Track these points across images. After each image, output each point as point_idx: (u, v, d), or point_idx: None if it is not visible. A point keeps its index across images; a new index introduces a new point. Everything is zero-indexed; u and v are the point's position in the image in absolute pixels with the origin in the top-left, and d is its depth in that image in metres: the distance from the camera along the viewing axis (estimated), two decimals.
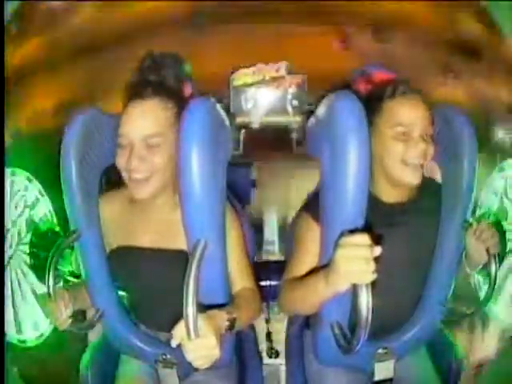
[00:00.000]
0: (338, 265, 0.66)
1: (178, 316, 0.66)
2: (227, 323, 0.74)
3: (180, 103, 0.84)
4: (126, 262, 0.90)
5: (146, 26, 1.50)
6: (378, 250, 0.65)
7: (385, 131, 0.86)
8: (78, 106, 0.96)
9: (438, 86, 1.55)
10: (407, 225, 0.89)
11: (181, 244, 0.84)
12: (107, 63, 1.52)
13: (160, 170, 0.82)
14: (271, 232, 1.81)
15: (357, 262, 0.64)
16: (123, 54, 1.46)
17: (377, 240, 0.66)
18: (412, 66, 1.46)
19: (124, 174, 0.83)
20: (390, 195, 0.90)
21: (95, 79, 1.52)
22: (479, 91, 1.50)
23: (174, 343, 0.67)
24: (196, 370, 0.95)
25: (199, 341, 0.65)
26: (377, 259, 0.65)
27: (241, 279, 0.89)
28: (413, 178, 0.85)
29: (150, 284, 0.89)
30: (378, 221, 0.82)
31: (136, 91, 0.83)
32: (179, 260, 0.83)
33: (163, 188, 0.85)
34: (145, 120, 0.82)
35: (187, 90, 0.89)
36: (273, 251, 1.77)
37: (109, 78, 1.48)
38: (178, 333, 0.65)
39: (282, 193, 1.77)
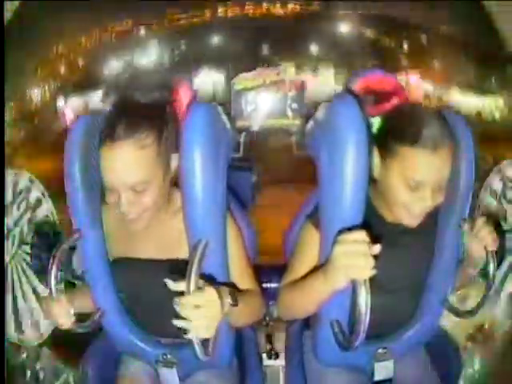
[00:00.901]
0: (337, 260, 0.66)
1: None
2: (230, 297, 0.72)
3: (165, 126, 0.80)
4: (125, 274, 0.90)
5: None
6: (376, 249, 0.66)
7: (395, 173, 0.81)
8: None
9: None
10: (409, 244, 0.89)
11: (180, 253, 0.85)
12: None
13: (152, 206, 0.81)
14: None
15: (355, 257, 0.65)
16: None
17: (375, 239, 0.67)
18: None
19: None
20: (393, 215, 0.88)
21: None
22: None
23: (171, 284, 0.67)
24: (196, 369, 0.96)
25: (200, 294, 0.65)
26: (376, 257, 0.65)
27: (241, 281, 0.89)
28: (411, 222, 0.84)
29: (150, 295, 0.89)
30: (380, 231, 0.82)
31: (107, 133, 0.76)
32: (177, 269, 0.84)
33: (158, 209, 0.84)
34: (125, 168, 0.76)
35: (179, 102, 0.83)
36: None
37: None
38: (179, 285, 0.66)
39: None
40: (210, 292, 0.67)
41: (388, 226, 0.88)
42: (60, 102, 1.45)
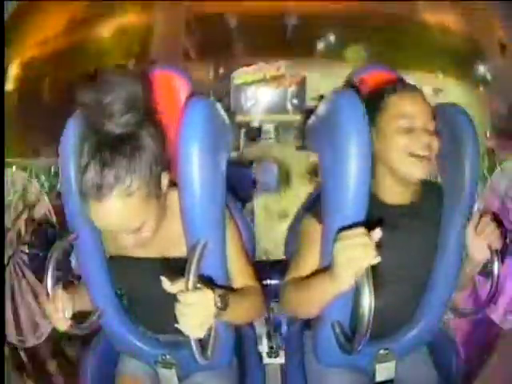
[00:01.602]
0: (338, 257, 0.66)
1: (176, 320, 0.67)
2: (218, 299, 0.71)
3: (148, 154, 0.72)
4: (121, 272, 0.89)
5: None
6: (377, 233, 0.66)
7: (387, 127, 0.86)
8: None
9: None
10: (409, 226, 0.89)
11: (176, 253, 0.84)
12: None
13: (151, 234, 0.79)
14: None
15: (355, 249, 0.65)
16: None
17: (376, 223, 0.67)
18: None
19: None
20: (393, 197, 0.89)
21: None
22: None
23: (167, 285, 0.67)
24: (196, 370, 0.95)
25: (195, 293, 0.65)
26: (378, 244, 0.65)
27: (241, 277, 0.88)
28: (419, 171, 0.84)
29: (148, 292, 0.88)
30: (382, 219, 0.81)
31: (91, 191, 0.70)
32: (175, 268, 0.83)
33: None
34: (116, 219, 0.72)
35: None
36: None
37: None
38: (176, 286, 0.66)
39: None
40: (206, 292, 0.67)
41: (389, 210, 0.88)
42: None
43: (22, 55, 1.46)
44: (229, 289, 0.84)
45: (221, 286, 0.78)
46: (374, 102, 0.87)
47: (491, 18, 1.48)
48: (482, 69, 1.45)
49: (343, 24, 1.53)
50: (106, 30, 1.48)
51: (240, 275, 0.88)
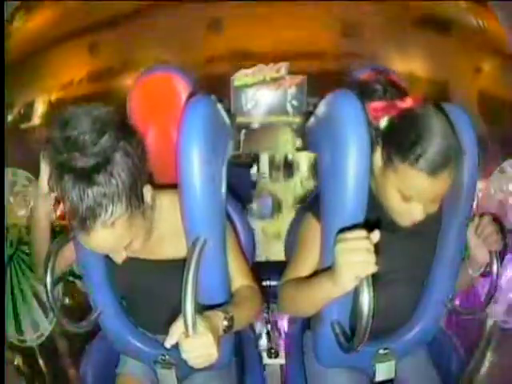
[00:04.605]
0: (340, 259, 0.66)
1: (175, 318, 0.66)
2: (225, 323, 0.72)
3: (125, 175, 0.70)
4: (114, 271, 0.89)
5: None
6: (376, 235, 0.65)
7: (391, 183, 0.79)
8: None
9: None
10: (409, 226, 0.88)
11: (168, 253, 0.84)
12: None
13: (141, 245, 0.79)
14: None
15: (357, 253, 0.64)
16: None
17: (374, 227, 0.66)
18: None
19: None
20: None
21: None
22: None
23: (169, 342, 0.66)
24: (195, 370, 0.95)
25: (196, 339, 0.64)
26: (377, 249, 0.65)
27: (239, 276, 0.88)
28: (407, 222, 0.82)
29: (146, 291, 0.88)
30: (380, 221, 0.81)
31: (76, 226, 0.69)
32: (168, 269, 0.83)
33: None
34: (104, 246, 0.73)
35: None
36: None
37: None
38: (175, 331, 0.65)
39: None
40: (207, 336, 0.65)
41: (387, 215, 0.86)
42: None
43: (49, 93, 1.51)
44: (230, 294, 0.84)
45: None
46: (396, 138, 0.77)
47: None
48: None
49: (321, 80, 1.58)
50: (128, 81, 1.49)
51: (238, 274, 0.88)
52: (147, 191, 0.77)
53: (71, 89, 1.51)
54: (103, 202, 0.67)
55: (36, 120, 1.50)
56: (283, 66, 1.56)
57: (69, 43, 1.50)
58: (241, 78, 1.57)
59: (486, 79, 1.50)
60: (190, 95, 0.88)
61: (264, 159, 1.68)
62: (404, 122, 0.77)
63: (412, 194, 0.77)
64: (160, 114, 1.01)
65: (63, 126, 0.67)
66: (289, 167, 1.70)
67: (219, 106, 0.88)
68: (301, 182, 1.72)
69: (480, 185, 1.40)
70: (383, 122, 0.80)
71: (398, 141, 0.76)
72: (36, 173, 0.84)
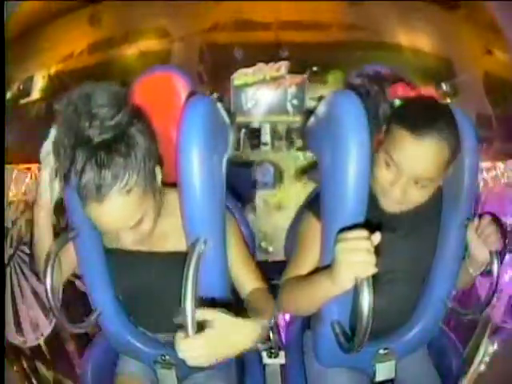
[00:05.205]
0: (340, 258, 0.66)
1: (175, 315, 0.66)
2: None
3: (140, 149, 0.72)
4: (115, 265, 0.89)
5: None
6: (376, 237, 0.66)
7: (382, 147, 0.81)
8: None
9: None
10: (409, 226, 0.88)
11: (171, 246, 0.84)
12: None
13: (151, 228, 0.80)
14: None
15: (358, 253, 0.64)
16: None
17: (374, 229, 0.66)
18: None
19: None
20: None
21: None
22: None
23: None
24: (195, 370, 0.95)
25: (196, 339, 0.64)
26: (377, 251, 0.65)
27: (250, 280, 0.88)
28: (391, 207, 0.82)
29: (146, 286, 0.88)
30: (380, 221, 0.81)
31: (89, 194, 0.70)
32: (170, 262, 0.83)
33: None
34: (116, 218, 0.73)
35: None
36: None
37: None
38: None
39: None
40: (207, 337, 0.65)
41: (387, 216, 0.86)
42: None
43: (48, 67, 1.50)
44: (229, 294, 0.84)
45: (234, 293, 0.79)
46: (401, 111, 0.80)
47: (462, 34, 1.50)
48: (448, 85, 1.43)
49: (325, 52, 1.58)
50: (129, 52, 1.50)
51: (248, 278, 0.88)
52: (158, 172, 0.80)
53: (71, 61, 1.51)
54: (120, 170, 0.70)
55: (35, 94, 1.49)
56: (283, 65, 1.56)
57: (68, 15, 1.49)
58: (241, 77, 1.57)
59: (494, 61, 1.48)
60: (190, 94, 0.87)
61: (266, 129, 1.63)
62: (414, 103, 0.81)
63: (394, 159, 0.77)
64: (160, 114, 1.01)
65: (82, 99, 0.70)
66: (291, 137, 1.64)
67: (219, 105, 0.88)
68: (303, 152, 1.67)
69: (487, 165, 1.41)
70: (396, 103, 0.83)
71: (402, 113, 0.80)
72: (35, 149, 0.83)
